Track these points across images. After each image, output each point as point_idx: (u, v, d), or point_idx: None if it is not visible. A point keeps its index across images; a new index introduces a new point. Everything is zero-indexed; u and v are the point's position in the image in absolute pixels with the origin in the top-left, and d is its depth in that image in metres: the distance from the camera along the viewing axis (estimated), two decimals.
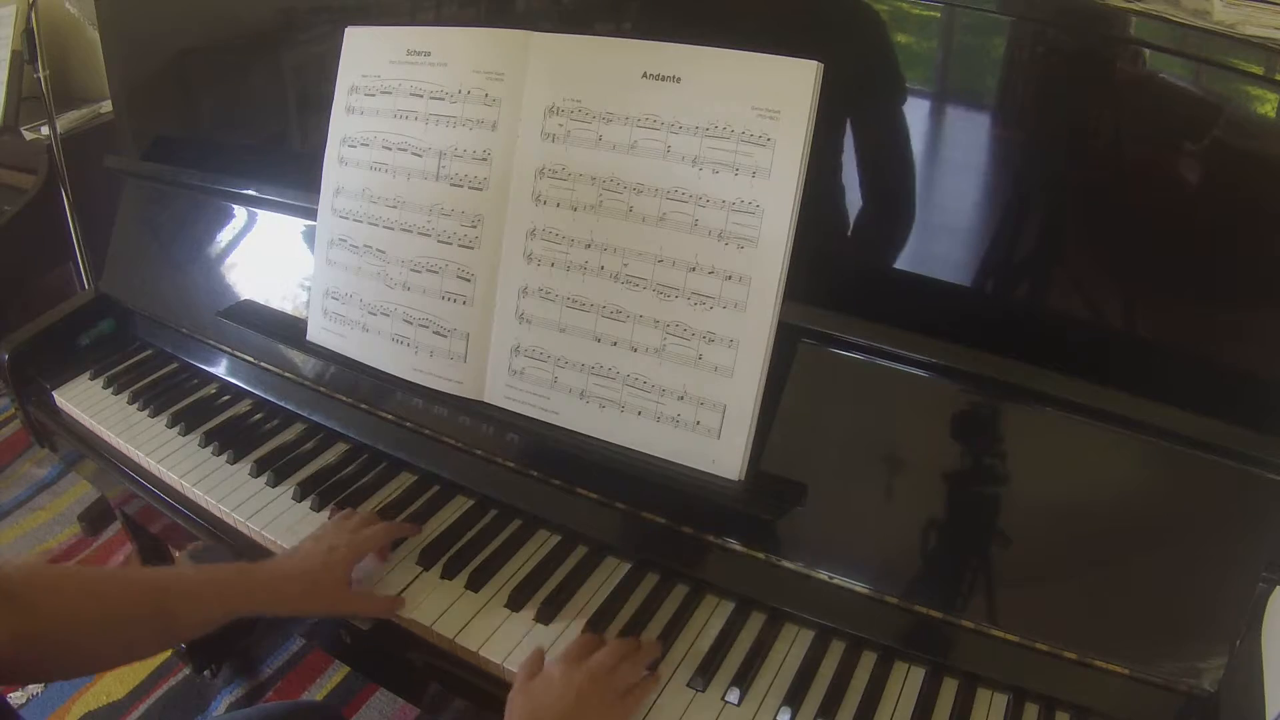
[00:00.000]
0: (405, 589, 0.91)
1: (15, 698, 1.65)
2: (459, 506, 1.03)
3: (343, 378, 1.09)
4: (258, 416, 1.19)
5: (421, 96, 0.99)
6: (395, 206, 1.01)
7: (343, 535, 0.90)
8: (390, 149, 1.01)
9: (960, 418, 0.80)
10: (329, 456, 1.12)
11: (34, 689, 1.67)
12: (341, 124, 1.05)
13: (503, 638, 0.86)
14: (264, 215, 1.22)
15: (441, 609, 0.89)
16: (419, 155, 0.99)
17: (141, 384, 1.26)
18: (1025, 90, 0.81)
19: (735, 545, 0.87)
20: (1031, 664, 0.77)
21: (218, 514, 1.05)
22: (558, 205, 0.91)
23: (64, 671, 0.78)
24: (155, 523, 1.22)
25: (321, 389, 1.12)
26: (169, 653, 1.70)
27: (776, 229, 0.81)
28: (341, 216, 1.06)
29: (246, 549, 1.01)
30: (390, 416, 1.07)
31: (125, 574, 0.84)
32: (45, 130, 1.83)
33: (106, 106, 1.94)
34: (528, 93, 0.92)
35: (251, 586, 0.84)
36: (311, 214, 1.10)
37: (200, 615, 0.81)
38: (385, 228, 1.02)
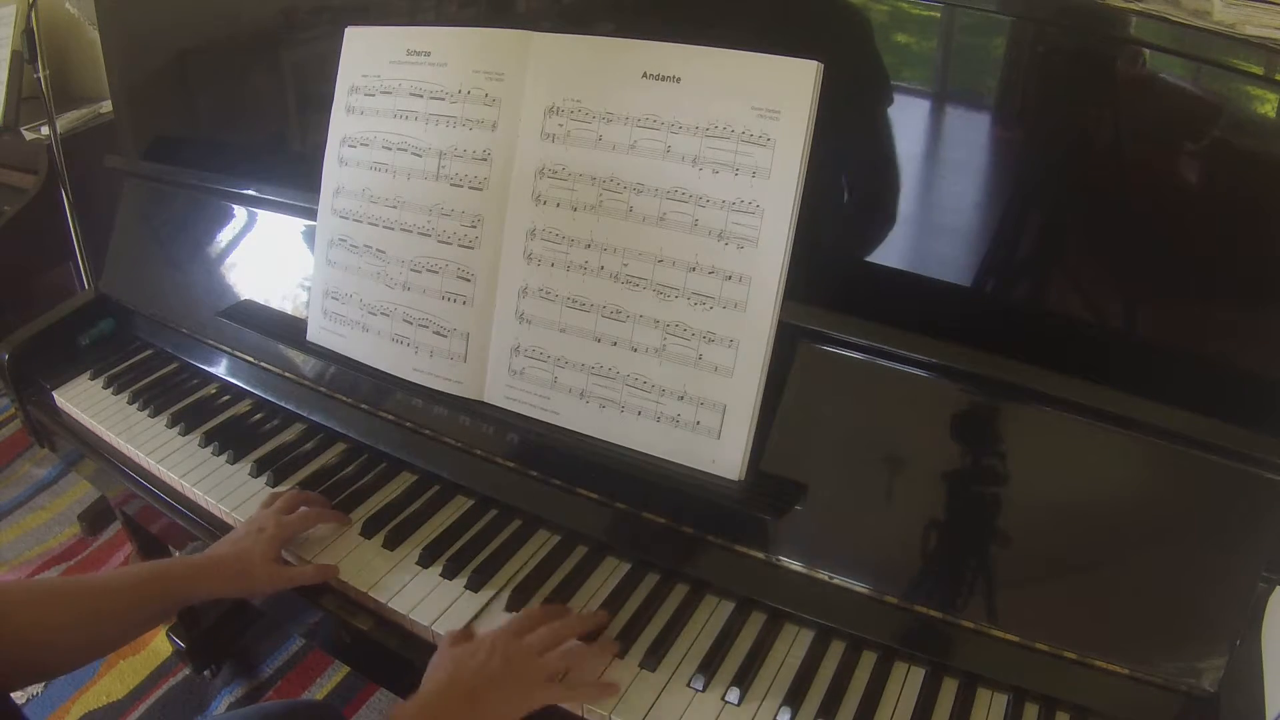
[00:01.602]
0: (404, 588, 0.91)
1: (15, 698, 1.65)
2: (459, 506, 1.03)
3: (343, 378, 1.09)
4: (258, 416, 1.19)
5: (421, 96, 0.99)
6: (395, 206, 1.01)
7: (270, 518, 0.95)
8: (390, 149, 1.01)
9: (960, 418, 0.80)
10: (329, 456, 1.12)
11: (34, 689, 1.67)
12: (341, 124, 1.05)
13: None
14: (264, 215, 1.22)
15: (441, 609, 0.89)
16: (419, 155, 0.99)
17: (141, 384, 1.26)
18: (1025, 90, 0.81)
19: (735, 545, 0.87)
20: (1031, 664, 0.77)
21: (218, 514, 1.05)
22: (558, 205, 0.91)
23: (33, 675, 0.86)
24: (155, 523, 1.22)
25: (321, 389, 1.12)
26: (169, 652, 1.70)
27: (776, 229, 0.81)
28: (341, 216, 1.06)
29: None
30: (390, 416, 1.07)
31: (82, 581, 0.90)
32: (45, 130, 1.83)
33: (106, 106, 1.95)
34: (528, 93, 0.92)
35: (194, 574, 0.90)
36: (311, 214, 1.10)
37: (155, 608, 0.87)
38: (385, 228, 1.02)
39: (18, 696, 1.65)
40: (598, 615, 0.86)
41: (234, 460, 1.10)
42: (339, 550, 0.96)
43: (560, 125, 0.90)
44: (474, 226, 0.96)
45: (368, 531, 0.98)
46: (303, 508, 0.98)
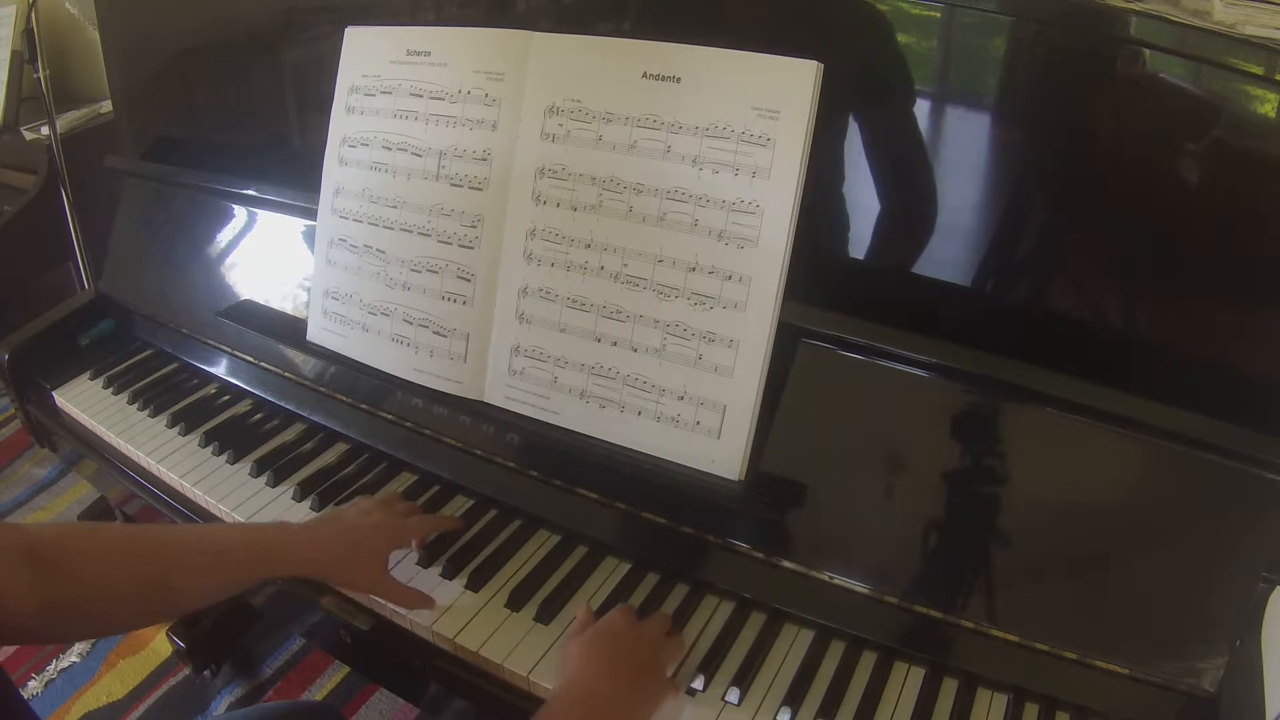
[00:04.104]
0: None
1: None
2: (459, 506, 1.03)
3: (343, 378, 1.09)
4: (258, 416, 1.19)
5: (422, 96, 0.99)
6: (395, 206, 1.01)
7: (389, 515, 0.89)
8: (390, 149, 1.01)
9: (960, 418, 0.80)
10: (329, 456, 1.12)
11: (34, 688, 1.67)
12: (341, 124, 1.05)
13: (503, 638, 0.86)
14: (264, 215, 1.22)
15: (441, 609, 0.89)
16: (419, 155, 0.99)
17: (141, 384, 1.26)
18: (1025, 90, 0.81)
19: (735, 545, 0.87)
20: (1031, 664, 0.77)
21: (218, 514, 1.05)
22: (558, 205, 0.91)
23: (94, 634, 0.78)
24: (155, 523, 1.22)
25: (321, 389, 1.12)
26: (169, 652, 1.70)
27: (776, 229, 0.81)
28: (341, 216, 1.06)
29: None
30: (390, 416, 1.07)
31: (160, 534, 0.82)
32: (45, 130, 1.82)
33: (106, 106, 1.94)
34: (528, 93, 0.92)
35: (288, 546, 0.84)
36: (311, 214, 1.10)
37: (228, 578, 0.80)
38: (385, 228, 1.02)
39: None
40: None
41: (234, 460, 1.10)
42: None
43: (560, 125, 0.90)
44: (474, 226, 0.96)
45: None
46: (415, 516, 0.92)
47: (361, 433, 1.10)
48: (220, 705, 1.63)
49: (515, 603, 0.89)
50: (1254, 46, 0.71)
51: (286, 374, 1.16)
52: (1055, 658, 0.76)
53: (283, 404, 1.17)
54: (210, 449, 1.12)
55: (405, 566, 0.94)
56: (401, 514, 0.92)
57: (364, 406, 1.09)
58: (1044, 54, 0.79)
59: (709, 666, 0.82)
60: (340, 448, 1.13)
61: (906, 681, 0.81)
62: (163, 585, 0.76)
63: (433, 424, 1.03)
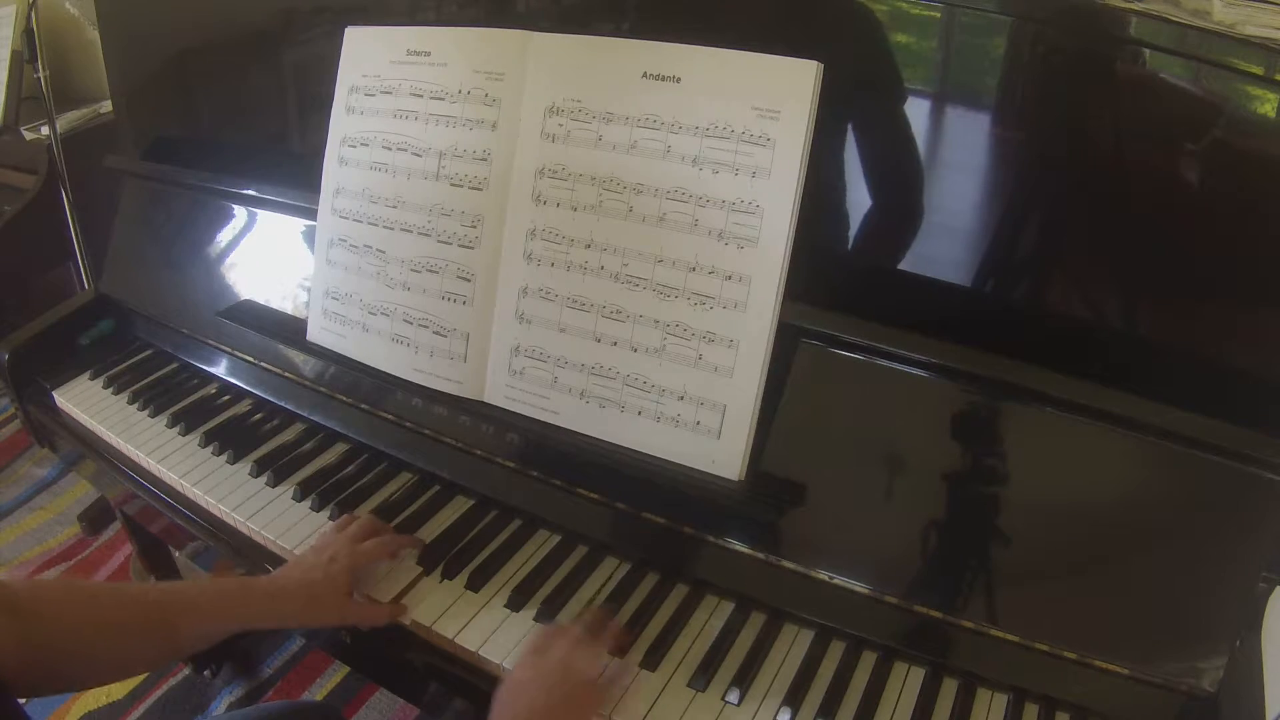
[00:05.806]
0: (405, 589, 0.91)
1: None
2: (459, 507, 1.03)
3: (343, 378, 1.09)
4: (257, 416, 1.19)
5: (421, 96, 0.99)
6: (395, 206, 1.01)
7: (343, 545, 0.90)
8: (390, 149, 1.01)
9: (960, 418, 0.80)
10: (329, 456, 1.12)
11: None
12: (341, 124, 1.05)
13: (503, 638, 0.86)
14: (264, 215, 1.22)
15: (442, 609, 0.89)
16: (419, 155, 0.99)
17: (141, 384, 1.26)
18: (1025, 90, 0.81)
19: (735, 545, 0.87)
20: (1031, 664, 0.77)
21: (218, 514, 1.05)
22: (558, 205, 0.91)
23: (71, 681, 0.78)
24: (155, 523, 1.22)
25: (321, 389, 1.12)
26: None
27: (776, 229, 0.81)
28: (341, 216, 1.06)
29: (246, 549, 1.01)
30: (390, 416, 1.07)
31: (126, 587, 0.86)
32: (45, 130, 1.82)
33: (106, 106, 1.95)
34: (528, 93, 0.92)
35: (252, 600, 0.84)
36: (311, 214, 1.10)
37: (201, 629, 0.81)
38: (385, 228, 1.02)
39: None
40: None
41: (234, 460, 1.10)
42: None
43: (560, 125, 0.90)
44: (474, 226, 0.96)
45: None
46: (375, 537, 0.92)
47: (361, 433, 1.10)
48: (220, 705, 1.63)
49: (515, 603, 0.89)
50: (1254, 46, 0.71)
51: (286, 374, 1.16)
52: (1055, 658, 0.76)
53: (283, 404, 1.17)
54: (210, 449, 1.12)
55: (406, 568, 0.94)
56: (356, 539, 0.91)
57: (364, 406, 1.09)
58: (1044, 54, 0.79)
59: (709, 666, 0.82)
60: (340, 448, 1.13)
61: (906, 681, 0.81)
62: (164, 624, 0.78)
63: (433, 424, 1.03)
